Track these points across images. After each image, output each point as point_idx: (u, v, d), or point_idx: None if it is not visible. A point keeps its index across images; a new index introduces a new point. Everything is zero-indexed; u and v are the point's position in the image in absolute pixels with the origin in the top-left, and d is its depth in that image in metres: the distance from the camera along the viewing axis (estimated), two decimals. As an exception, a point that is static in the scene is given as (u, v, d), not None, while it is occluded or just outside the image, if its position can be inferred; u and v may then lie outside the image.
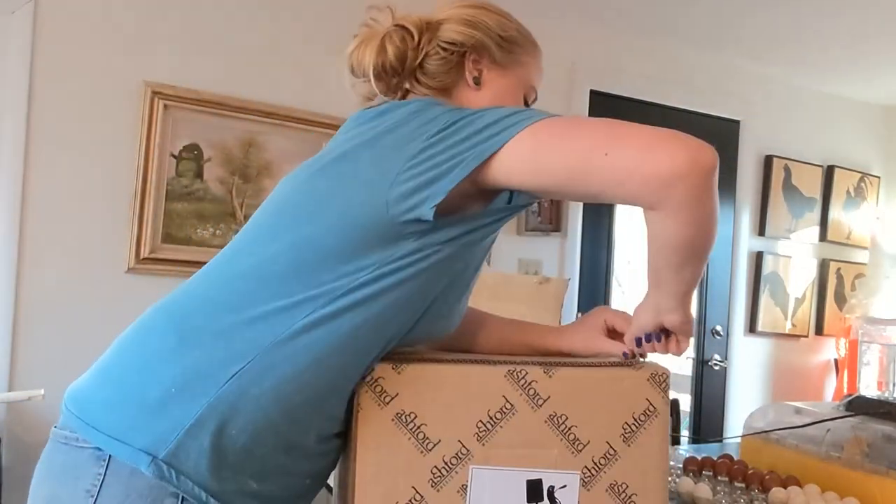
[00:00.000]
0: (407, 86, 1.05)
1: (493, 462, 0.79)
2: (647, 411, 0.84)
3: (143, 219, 2.44)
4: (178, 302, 0.90)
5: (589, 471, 0.82)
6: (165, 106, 2.47)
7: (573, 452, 0.81)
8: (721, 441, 3.03)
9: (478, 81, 1.06)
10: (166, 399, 0.82)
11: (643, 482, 0.82)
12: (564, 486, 0.80)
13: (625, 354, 0.99)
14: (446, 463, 0.79)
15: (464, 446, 0.79)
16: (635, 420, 0.84)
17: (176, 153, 2.51)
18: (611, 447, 0.82)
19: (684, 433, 3.48)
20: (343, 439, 0.92)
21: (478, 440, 0.79)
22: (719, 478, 1.35)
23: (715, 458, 1.41)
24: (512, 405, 0.80)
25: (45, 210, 2.34)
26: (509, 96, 1.08)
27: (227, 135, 2.58)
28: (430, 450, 0.79)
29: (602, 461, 0.82)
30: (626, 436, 0.83)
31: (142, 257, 2.43)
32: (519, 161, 0.84)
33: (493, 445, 0.80)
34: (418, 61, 1.03)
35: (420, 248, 0.85)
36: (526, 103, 1.12)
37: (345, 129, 1.03)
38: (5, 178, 2.30)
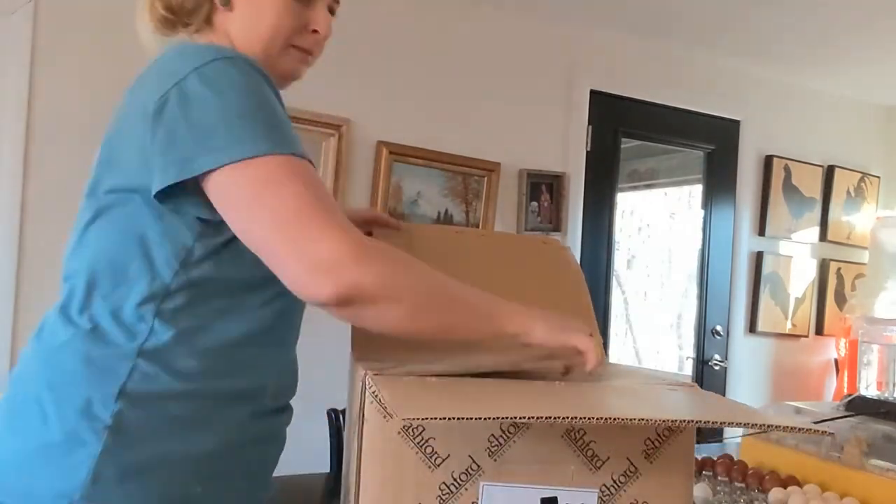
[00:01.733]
0: (181, 33, 0.99)
1: (506, 478, 0.75)
2: (671, 427, 0.79)
3: (143, 219, 2.44)
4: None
5: (608, 489, 0.77)
6: (165, 106, 2.46)
7: (591, 469, 0.77)
8: (721, 441, 3.03)
9: (226, 2, 0.95)
10: (65, 438, 0.80)
11: (666, 501, 0.78)
12: None
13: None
14: (455, 479, 0.75)
15: (474, 461, 0.75)
16: (659, 435, 0.79)
17: (176, 153, 2.51)
18: (631, 464, 0.78)
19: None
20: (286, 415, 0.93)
21: (489, 455, 0.75)
22: (719, 478, 1.35)
23: (715, 458, 1.41)
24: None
25: (45, 210, 2.34)
26: (266, 8, 0.94)
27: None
28: (439, 465, 0.75)
29: (622, 479, 0.77)
30: (649, 452, 0.78)
31: (142, 257, 2.42)
32: (216, 198, 0.81)
33: (506, 461, 0.75)
34: (161, 2, 0.97)
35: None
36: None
37: None
38: (5, 178, 2.30)
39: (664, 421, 0.77)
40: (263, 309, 0.89)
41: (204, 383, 0.84)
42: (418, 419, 0.69)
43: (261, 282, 0.86)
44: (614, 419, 0.73)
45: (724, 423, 0.73)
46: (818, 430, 0.71)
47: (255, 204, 0.77)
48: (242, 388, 0.88)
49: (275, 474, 0.99)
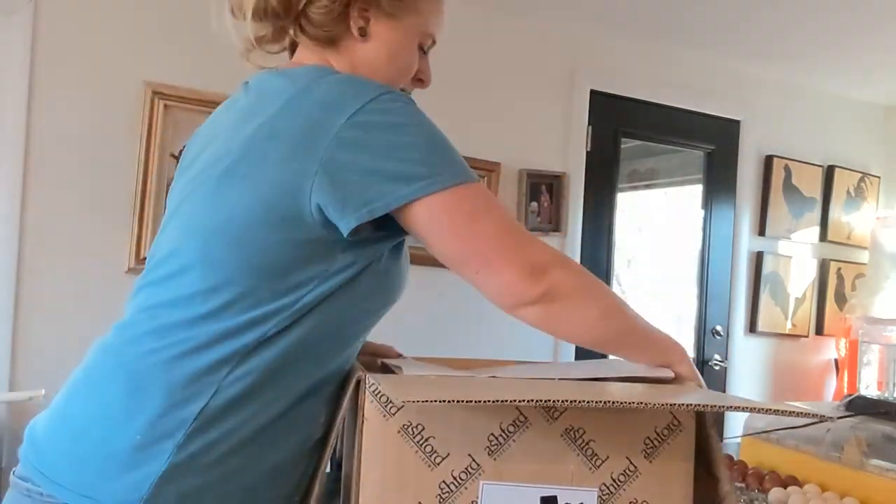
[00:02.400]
0: (291, 32, 0.99)
1: (506, 478, 0.75)
2: (671, 425, 0.79)
3: (143, 219, 2.44)
4: (124, 339, 0.87)
5: (607, 488, 0.77)
6: (166, 106, 2.46)
7: (591, 468, 0.77)
8: (721, 441, 3.03)
9: (364, 32, 0.97)
10: (133, 450, 0.80)
11: (666, 501, 0.78)
12: (581, 503, 0.76)
13: None
14: (455, 478, 0.75)
15: (474, 461, 0.75)
16: (658, 434, 0.79)
17: (176, 153, 2.51)
18: (631, 463, 0.78)
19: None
20: (321, 449, 0.90)
21: (489, 454, 0.75)
22: (719, 478, 1.34)
23: (715, 458, 1.41)
24: (526, 418, 0.76)
25: (45, 210, 2.34)
26: (401, 49, 1.00)
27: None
28: (438, 464, 0.75)
29: (622, 478, 0.77)
30: (648, 451, 0.78)
31: (142, 258, 2.43)
32: (425, 224, 0.84)
33: (506, 460, 0.75)
34: (301, 6, 0.95)
35: (354, 258, 0.86)
36: (422, 50, 1.05)
37: (232, 107, 1.01)
38: (5, 179, 2.30)
39: (663, 405, 0.77)
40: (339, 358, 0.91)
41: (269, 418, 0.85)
42: (418, 401, 0.69)
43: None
44: (614, 402, 0.74)
45: (725, 407, 0.73)
46: (810, 414, 0.72)
47: (472, 225, 0.85)
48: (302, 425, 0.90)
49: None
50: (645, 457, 0.78)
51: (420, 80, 1.05)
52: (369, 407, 0.77)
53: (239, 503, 0.84)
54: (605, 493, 0.77)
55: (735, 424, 3.39)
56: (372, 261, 0.88)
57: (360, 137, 0.82)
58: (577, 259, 3.25)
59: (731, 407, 0.75)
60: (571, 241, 3.23)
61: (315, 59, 0.98)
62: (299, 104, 0.86)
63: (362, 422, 0.77)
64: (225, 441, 0.81)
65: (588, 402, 0.73)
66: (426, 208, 0.83)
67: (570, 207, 3.22)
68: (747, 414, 1.55)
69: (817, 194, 3.85)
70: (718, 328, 3.63)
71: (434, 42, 1.07)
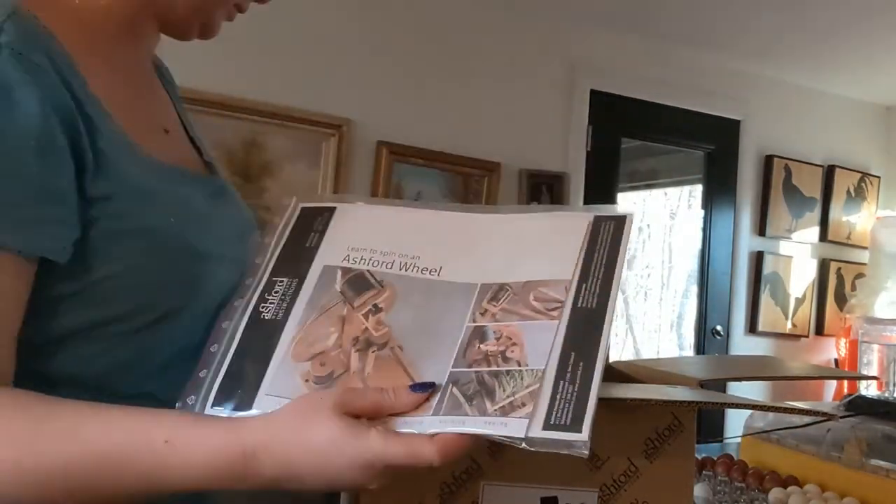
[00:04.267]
0: None
1: (506, 478, 0.74)
2: (672, 426, 0.78)
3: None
4: None
5: (608, 488, 0.76)
6: (166, 106, 2.46)
7: (591, 469, 0.76)
8: (721, 441, 3.03)
9: None
10: None
11: (667, 502, 0.78)
12: (582, 503, 0.76)
13: None
14: (456, 478, 0.73)
15: (474, 461, 0.73)
16: (659, 435, 0.78)
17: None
18: (632, 463, 0.77)
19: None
20: None
21: (490, 455, 0.74)
22: (719, 478, 1.35)
23: (715, 458, 1.41)
24: None
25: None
26: None
27: (228, 135, 2.58)
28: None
29: (622, 478, 0.77)
30: (649, 452, 0.78)
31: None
32: None
33: (506, 461, 0.74)
34: None
35: None
36: None
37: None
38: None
39: (669, 402, 0.77)
40: None
41: None
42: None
43: None
44: (614, 399, 0.73)
45: (726, 405, 0.73)
46: (810, 411, 0.72)
47: None
48: None
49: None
50: (646, 457, 0.78)
51: None
52: None
53: None
54: (605, 493, 0.77)
55: (735, 424, 3.39)
56: None
57: None
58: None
59: (731, 404, 0.75)
60: (571, 241, 3.24)
61: None
62: None
63: None
64: None
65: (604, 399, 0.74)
66: None
67: (569, 207, 3.22)
68: (748, 414, 1.56)
69: (817, 194, 3.85)
70: (718, 328, 3.63)
71: None
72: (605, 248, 0.63)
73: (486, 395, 0.56)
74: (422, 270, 0.65)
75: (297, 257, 0.68)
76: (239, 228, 0.75)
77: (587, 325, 0.59)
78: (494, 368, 0.58)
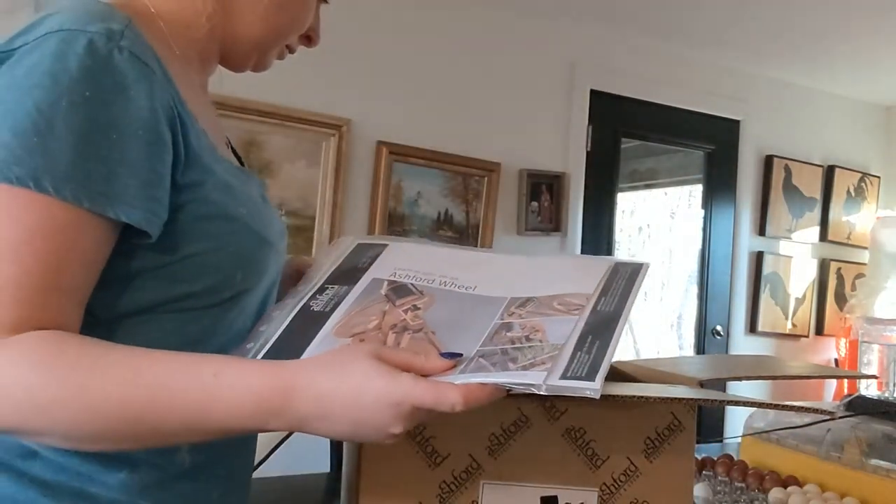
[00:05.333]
0: None
1: (506, 477, 0.75)
2: (672, 426, 0.79)
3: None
4: None
5: (608, 488, 0.77)
6: (166, 106, 2.46)
7: (591, 468, 0.76)
8: (721, 441, 3.03)
9: None
10: None
11: (666, 501, 0.78)
12: (582, 503, 0.76)
13: None
14: (456, 478, 0.74)
15: (474, 460, 0.75)
16: (658, 435, 0.78)
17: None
18: (632, 463, 0.77)
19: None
20: None
21: (490, 454, 0.75)
22: (719, 478, 1.35)
23: (715, 458, 1.41)
24: (527, 418, 0.75)
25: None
26: (302, 1, 0.82)
27: (228, 134, 2.57)
28: (439, 464, 0.74)
29: (622, 478, 0.77)
30: (649, 451, 0.78)
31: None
32: None
33: (506, 460, 0.75)
34: None
35: None
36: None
37: None
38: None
39: (668, 399, 0.78)
40: None
41: None
42: None
43: None
44: (614, 397, 0.74)
45: (726, 402, 0.74)
46: (810, 409, 0.72)
47: None
48: None
49: (275, 474, 0.98)
50: (646, 457, 0.78)
51: (308, 38, 0.88)
52: None
53: None
54: (605, 492, 0.77)
55: (735, 424, 3.39)
56: None
57: None
58: (577, 259, 3.25)
59: (730, 402, 0.76)
60: (571, 241, 3.24)
61: None
62: None
63: None
64: None
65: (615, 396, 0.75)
66: None
67: (570, 207, 3.22)
68: (748, 414, 1.56)
69: (817, 194, 3.85)
70: (718, 328, 3.63)
71: None
72: (622, 281, 0.68)
73: (510, 360, 0.60)
74: (458, 287, 0.71)
75: (349, 272, 0.75)
76: (280, 227, 0.83)
77: (605, 321, 0.62)
78: (518, 345, 0.62)
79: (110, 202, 0.61)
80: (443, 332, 0.65)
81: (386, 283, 0.72)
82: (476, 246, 2.99)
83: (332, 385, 0.57)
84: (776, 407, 0.81)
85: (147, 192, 0.64)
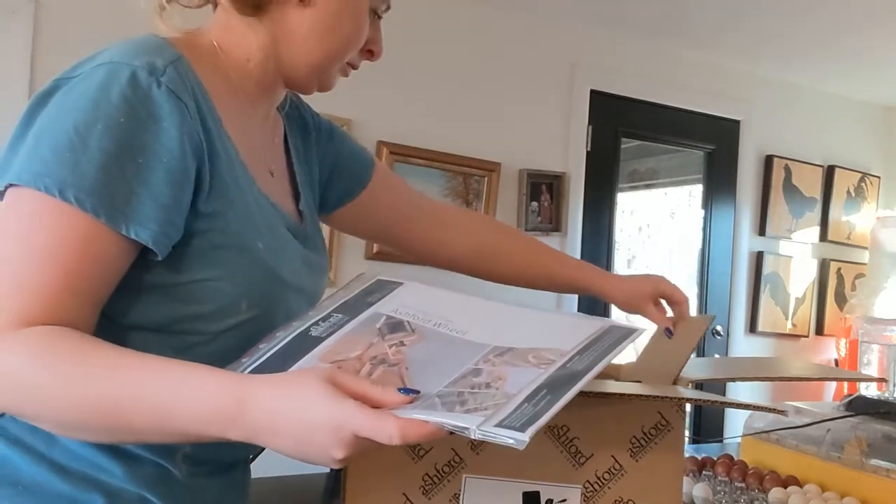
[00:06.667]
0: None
1: (488, 472, 0.76)
2: (659, 425, 0.78)
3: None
4: None
5: (592, 485, 0.77)
6: (166, 106, 2.46)
7: (574, 465, 0.77)
8: (721, 441, 3.02)
9: None
10: None
11: (653, 500, 0.78)
12: (564, 500, 0.76)
13: (667, 331, 0.98)
14: (438, 471, 0.76)
15: (457, 454, 0.76)
16: (645, 434, 0.78)
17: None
18: (616, 462, 0.77)
19: (685, 433, 3.48)
20: None
21: (471, 448, 0.76)
22: (719, 478, 1.35)
23: (715, 458, 1.41)
24: None
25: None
26: (347, 15, 0.82)
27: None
28: (422, 457, 0.76)
29: (606, 476, 0.77)
30: (634, 450, 0.78)
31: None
32: None
33: (488, 455, 0.76)
34: None
35: None
36: (375, 14, 0.89)
37: None
38: (6, 178, 2.31)
39: (651, 398, 0.78)
40: None
41: None
42: None
43: None
44: (598, 394, 0.74)
45: (711, 402, 0.74)
46: (769, 408, 0.72)
47: None
48: None
49: (275, 474, 0.99)
50: (631, 455, 0.78)
51: (370, 52, 0.91)
52: None
53: None
54: (589, 490, 0.77)
55: (735, 424, 3.39)
56: None
57: (38, 112, 0.73)
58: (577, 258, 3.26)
59: (717, 402, 0.77)
60: (572, 240, 3.24)
61: (216, 28, 0.83)
62: None
63: None
64: None
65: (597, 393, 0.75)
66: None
67: (570, 207, 3.22)
68: (748, 414, 1.56)
69: (817, 194, 3.85)
70: (718, 328, 3.63)
71: (389, 6, 0.90)
72: (606, 343, 0.68)
73: (460, 402, 0.60)
74: (450, 329, 0.73)
75: (357, 305, 0.78)
76: (314, 269, 0.87)
77: (567, 377, 0.62)
78: (475, 390, 0.62)
79: (125, 219, 0.67)
80: (417, 369, 0.67)
81: (384, 318, 0.74)
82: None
83: (281, 401, 0.59)
84: (763, 409, 0.81)
85: (162, 214, 0.69)
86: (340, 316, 0.76)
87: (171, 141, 0.69)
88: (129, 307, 0.72)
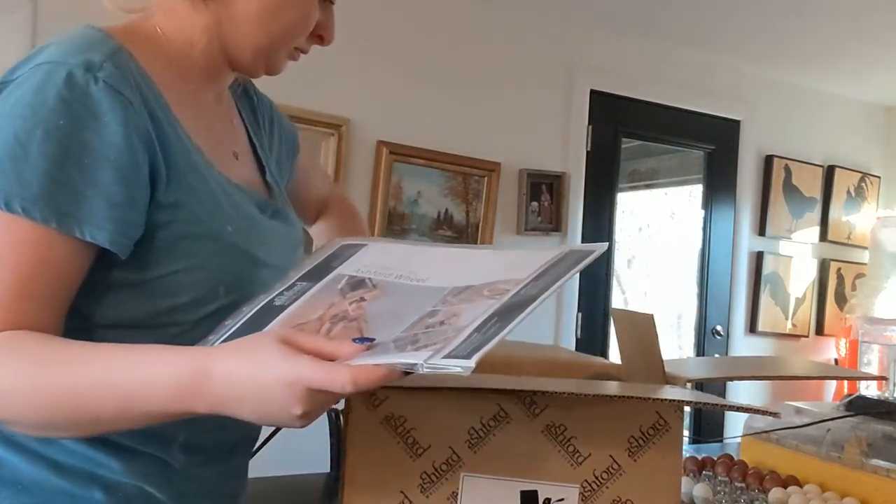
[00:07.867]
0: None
1: (486, 471, 0.76)
2: (657, 425, 0.78)
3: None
4: None
5: (589, 485, 0.77)
6: (165, 106, 2.46)
7: (572, 465, 0.77)
8: (721, 441, 3.03)
9: None
10: None
11: (651, 500, 0.78)
12: (562, 499, 0.76)
13: None
14: (436, 469, 0.76)
15: (455, 453, 0.76)
16: (643, 434, 0.78)
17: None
18: (615, 461, 0.77)
19: (685, 433, 3.48)
20: None
21: (469, 447, 0.76)
22: (719, 478, 1.35)
23: (715, 458, 1.41)
24: (507, 413, 0.76)
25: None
26: (304, 1, 0.81)
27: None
28: (420, 455, 0.76)
29: (604, 475, 0.77)
30: (632, 450, 0.78)
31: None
32: None
33: (486, 454, 0.76)
34: None
35: None
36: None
37: None
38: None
39: (650, 400, 0.78)
40: None
41: None
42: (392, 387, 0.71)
43: None
44: (596, 395, 0.75)
45: (707, 405, 0.74)
46: (761, 410, 0.72)
47: None
48: None
49: (275, 474, 0.99)
50: (629, 455, 0.78)
51: (320, 37, 0.87)
52: (355, 397, 0.77)
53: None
54: (587, 489, 0.77)
55: (735, 424, 3.39)
56: None
57: None
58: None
59: (710, 405, 0.78)
60: (571, 240, 3.24)
61: (159, 12, 0.82)
62: None
63: (348, 411, 0.78)
64: None
65: (569, 393, 0.75)
66: None
67: (570, 207, 3.22)
68: (747, 414, 1.56)
69: (817, 194, 3.85)
70: (718, 328, 3.63)
71: None
72: (563, 266, 0.67)
73: (411, 342, 0.61)
74: (410, 279, 0.72)
75: (321, 270, 0.77)
76: (288, 242, 0.87)
77: (518, 303, 0.62)
78: (429, 330, 0.63)
79: (77, 222, 0.66)
80: (377, 321, 0.67)
81: (346, 278, 0.75)
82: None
83: (239, 367, 0.60)
84: (758, 412, 0.81)
85: (116, 213, 0.68)
86: (305, 283, 0.75)
87: (115, 137, 0.68)
88: (103, 307, 0.72)
